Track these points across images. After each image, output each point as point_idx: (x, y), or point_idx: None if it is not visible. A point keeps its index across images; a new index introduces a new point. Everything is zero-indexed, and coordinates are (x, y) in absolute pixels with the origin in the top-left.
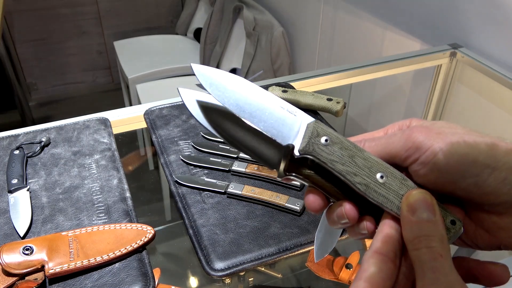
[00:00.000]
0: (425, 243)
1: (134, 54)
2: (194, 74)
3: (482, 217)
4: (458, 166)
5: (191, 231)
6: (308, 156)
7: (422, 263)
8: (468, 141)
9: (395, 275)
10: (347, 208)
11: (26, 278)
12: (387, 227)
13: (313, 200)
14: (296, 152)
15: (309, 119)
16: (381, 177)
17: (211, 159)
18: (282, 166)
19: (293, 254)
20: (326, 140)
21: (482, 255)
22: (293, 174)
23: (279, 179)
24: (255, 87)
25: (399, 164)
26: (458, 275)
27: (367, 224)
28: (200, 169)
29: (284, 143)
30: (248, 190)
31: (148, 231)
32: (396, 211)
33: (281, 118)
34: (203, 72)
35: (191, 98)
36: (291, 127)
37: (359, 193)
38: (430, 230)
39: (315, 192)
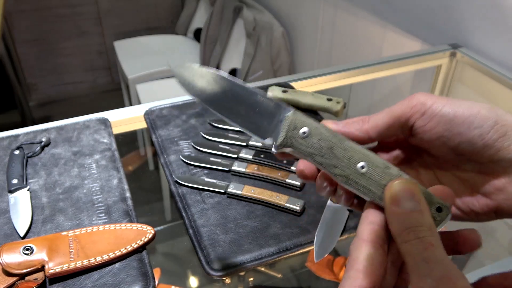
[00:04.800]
0: (414, 235)
1: (134, 54)
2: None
3: (480, 179)
4: (465, 117)
5: (191, 231)
6: (287, 149)
7: (414, 255)
8: (470, 101)
9: (385, 262)
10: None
11: (26, 278)
12: (371, 215)
13: (304, 167)
14: (274, 149)
15: (289, 110)
16: (362, 167)
17: (211, 159)
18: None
19: (293, 254)
20: (304, 133)
21: (482, 255)
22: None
23: (274, 152)
24: (232, 81)
25: (404, 123)
26: (451, 261)
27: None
28: (200, 169)
29: (263, 137)
30: (248, 190)
31: (148, 231)
32: (379, 201)
33: (259, 111)
34: (179, 72)
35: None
36: (270, 120)
37: (341, 184)
38: (417, 220)
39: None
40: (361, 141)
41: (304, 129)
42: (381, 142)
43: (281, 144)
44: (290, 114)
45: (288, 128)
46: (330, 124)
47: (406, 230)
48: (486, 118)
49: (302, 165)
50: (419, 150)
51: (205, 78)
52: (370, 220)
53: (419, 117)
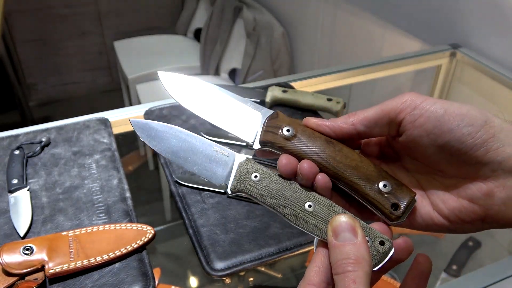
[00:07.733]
0: (342, 268)
1: (134, 54)
2: (194, 74)
3: (466, 184)
4: (455, 114)
5: (191, 231)
6: (240, 193)
7: None
8: (459, 102)
9: None
10: (303, 166)
11: (26, 278)
12: (319, 256)
13: (286, 163)
14: (229, 191)
15: (241, 158)
16: (309, 206)
17: None
18: (258, 137)
19: (293, 254)
20: (255, 177)
21: (482, 255)
22: (269, 144)
23: (255, 150)
24: (188, 134)
25: (393, 118)
26: None
27: (318, 177)
28: None
29: (218, 183)
30: None
31: (148, 231)
32: (326, 238)
33: (214, 160)
34: (141, 126)
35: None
36: (224, 167)
37: (291, 224)
38: (350, 252)
39: (288, 156)
40: (347, 134)
41: (256, 173)
42: (364, 145)
43: (235, 188)
44: (243, 161)
45: (240, 173)
46: (314, 119)
47: (337, 262)
48: (476, 118)
49: (285, 159)
50: (401, 154)
51: (169, 133)
52: (317, 263)
53: (409, 112)
